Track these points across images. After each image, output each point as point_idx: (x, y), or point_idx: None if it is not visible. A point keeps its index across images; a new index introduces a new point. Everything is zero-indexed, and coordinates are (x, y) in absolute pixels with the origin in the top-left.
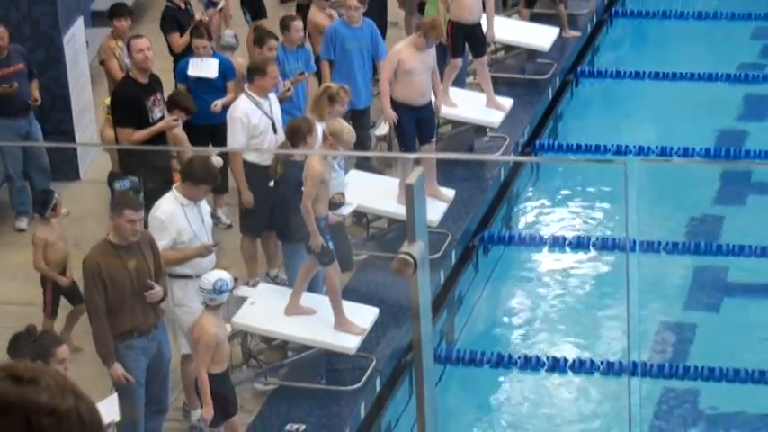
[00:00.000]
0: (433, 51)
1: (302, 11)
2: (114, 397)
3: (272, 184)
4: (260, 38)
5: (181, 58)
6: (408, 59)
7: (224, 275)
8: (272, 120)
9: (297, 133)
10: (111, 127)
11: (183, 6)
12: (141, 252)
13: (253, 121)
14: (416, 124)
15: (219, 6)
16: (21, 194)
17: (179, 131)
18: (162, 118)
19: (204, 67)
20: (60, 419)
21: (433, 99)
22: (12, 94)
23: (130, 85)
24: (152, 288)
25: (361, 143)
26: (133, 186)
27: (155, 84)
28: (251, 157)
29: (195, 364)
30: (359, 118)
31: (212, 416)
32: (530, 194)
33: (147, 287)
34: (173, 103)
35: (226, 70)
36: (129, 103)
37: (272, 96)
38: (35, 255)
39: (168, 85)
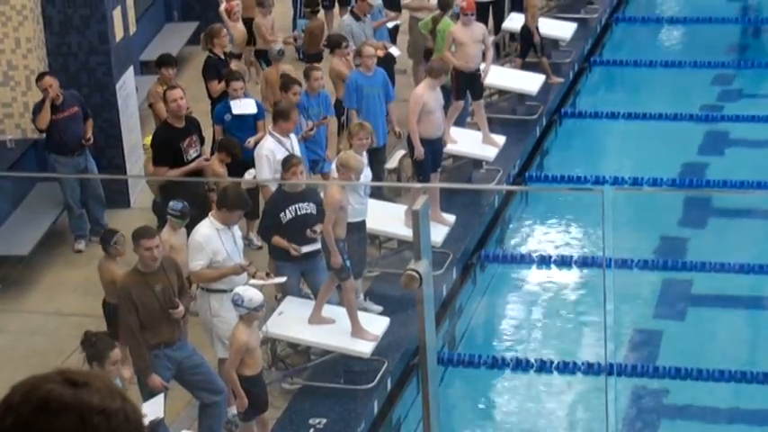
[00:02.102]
0: (440, 91)
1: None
2: (160, 397)
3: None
4: (285, 84)
5: (217, 102)
6: (429, 100)
7: (242, 292)
8: (294, 154)
9: (283, 167)
10: (152, 163)
11: (222, 56)
12: (166, 275)
13: (278, 158)
14: (432, 156)
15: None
16: (79, 221)
17: (219, 169)
18: (197, 156)
19: (244, 106)
20: (110, 418)
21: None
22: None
23: (167, 129)
24: (177, 307)
25: (378, 175)
26: (184, 208)
27: (191, 126)
28: None
29: (225, 365)
30: (377, 154)
31: (246, 407)
32: (520, 219)
33: (172, 305)
34: (223, 147)
35: (257, 111)
36: (164, 145)
37: (292, 135)
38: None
39: (206, 124)
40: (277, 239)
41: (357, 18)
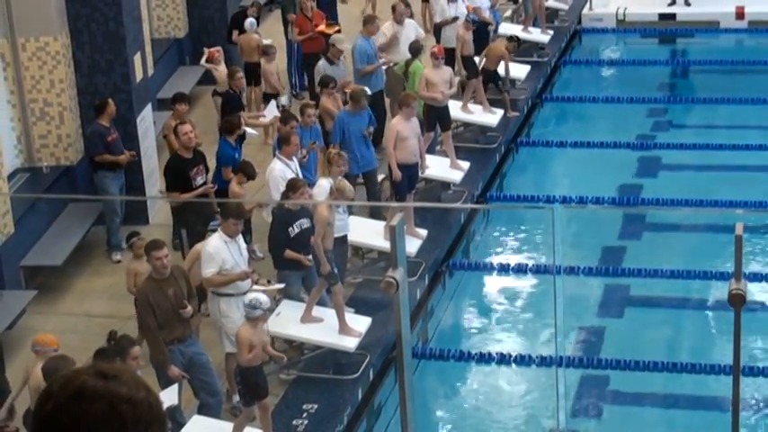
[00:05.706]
0: (416, 121)
1: (314, 99)
2: (175, 386)
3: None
4: (285, 119)
5: (224, 133)
6: (403, 129)
7: (258, 296)
8: (298, 176)
9: (292, 189)
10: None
11: (236, 91)
12: (176, 281)
13: (288, 177)
14: (407, 179)
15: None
16: (117, 234)
17: (239, 190)
18: (203, 183)
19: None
20: (136, 406)
21: (419, 161)
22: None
23: (177, 160)
24: (186, 307)
25: (374, 195)
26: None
27: (198, 157)
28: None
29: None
30: (370, 176)
31: None
32: (483, 233)
33: (182, 306)
34: (240, 169)
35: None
36: (175, 173)
37: (295, 159)
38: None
39: (213, 153)
40: (290, 253)
41: (331, 62)
